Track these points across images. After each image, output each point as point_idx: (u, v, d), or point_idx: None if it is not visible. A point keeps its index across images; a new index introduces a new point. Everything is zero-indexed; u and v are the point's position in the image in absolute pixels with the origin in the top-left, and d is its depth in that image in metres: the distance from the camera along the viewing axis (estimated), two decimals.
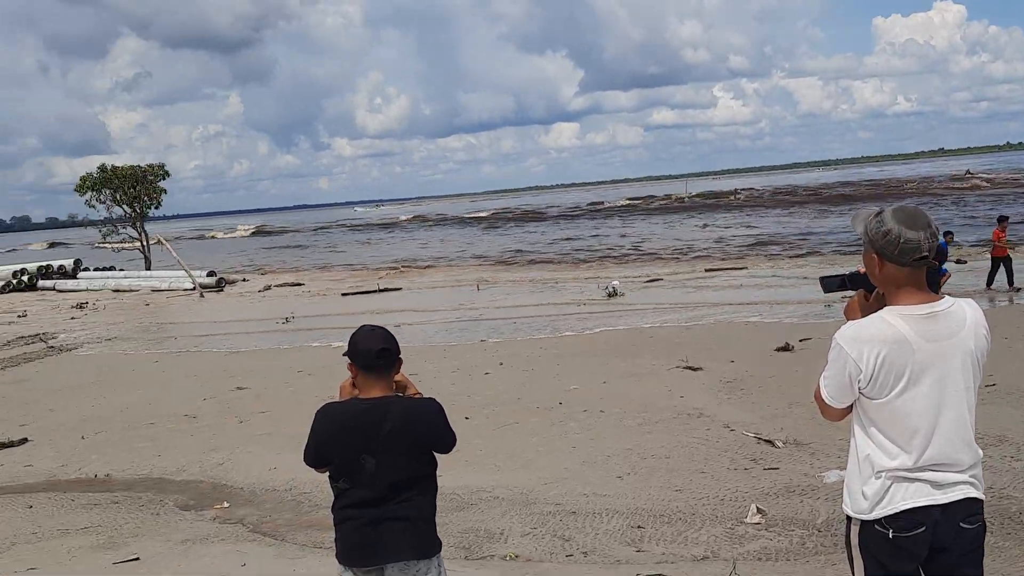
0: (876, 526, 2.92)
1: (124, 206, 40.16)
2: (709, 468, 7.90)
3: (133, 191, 39.77)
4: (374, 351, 3.47)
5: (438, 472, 3.62)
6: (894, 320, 2.89)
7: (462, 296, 25.04)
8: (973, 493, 2.93)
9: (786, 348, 12.91)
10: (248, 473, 8.75)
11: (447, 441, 3.59)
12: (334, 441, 3.48)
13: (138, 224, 40.62)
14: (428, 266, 38.82)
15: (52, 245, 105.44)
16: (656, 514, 6.83)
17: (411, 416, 3.48)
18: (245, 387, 13.08)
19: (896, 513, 2.89)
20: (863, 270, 3.05)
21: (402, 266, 38.87)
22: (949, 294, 3.05)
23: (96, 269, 39.99)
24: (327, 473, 3.55)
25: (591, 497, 7.33)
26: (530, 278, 29.01)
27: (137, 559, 6.60)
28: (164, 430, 10.82)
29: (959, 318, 2.91)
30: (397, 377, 3.58)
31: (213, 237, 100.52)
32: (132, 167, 40.53)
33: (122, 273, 38.21)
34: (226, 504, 7.87)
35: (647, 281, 25.64)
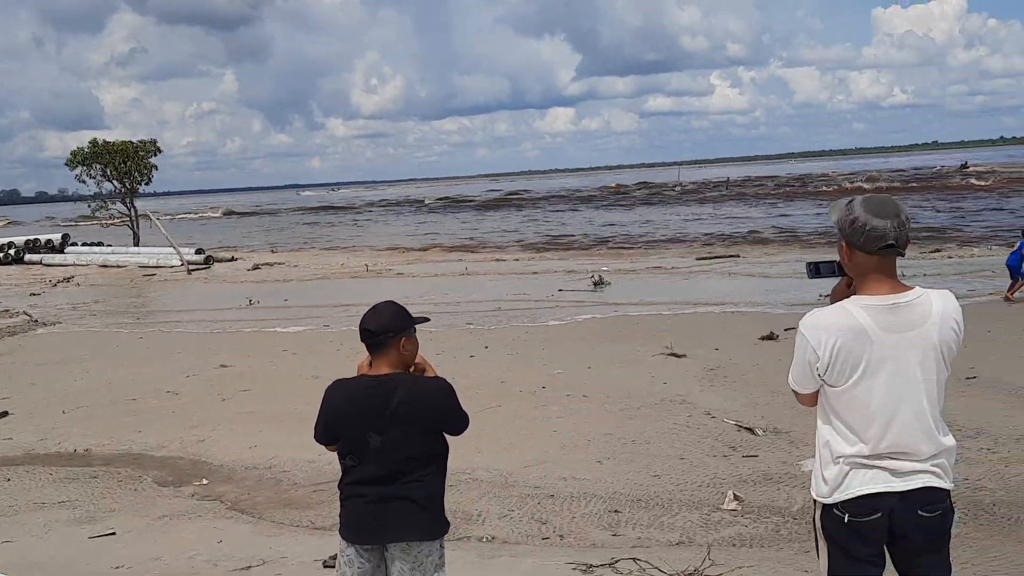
0: (834, 510, 2.94)
1: (114, 181, 40.07)
2: (689, 454, 7.93)
3: (124, 166, 39.65)
4: (360, 329, 3.49)
5: None
6: (855, 310, 2.90)
7: (444, 282, 24.96)
8: (935, 482, 2.93)
9: (771, 337, 12.94)
10: (228, 451, 8.74)
11: (457, 422, 3.55)
12: (342, 418, 3.46)
13: (128, 200, 40.51)
14: (415, 249, 38.68)
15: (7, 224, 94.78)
16: (634, 499, 6.86)
17: (418, 395, 3.44)
18: (228, 365, 13.06)
19: (852, 498, 2.91)
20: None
21: (389, 249, 38.74)
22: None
23: (84, 244, 39.86)
24: (336, 451, 3.51)
25: (570, 481, 7.35)
26: (514, 267, 28.89)
27: (113, 533, 6.61)
28: (146, 406, 10.80)
29: (924, 310, 2.90)
30: (416, 360, 3.55)
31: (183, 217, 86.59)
32: (124, 142, 40.45)
33: (110, 248, 38.03)
34: (205, 481, 7.87)
35: (636, 270, 25.63)
